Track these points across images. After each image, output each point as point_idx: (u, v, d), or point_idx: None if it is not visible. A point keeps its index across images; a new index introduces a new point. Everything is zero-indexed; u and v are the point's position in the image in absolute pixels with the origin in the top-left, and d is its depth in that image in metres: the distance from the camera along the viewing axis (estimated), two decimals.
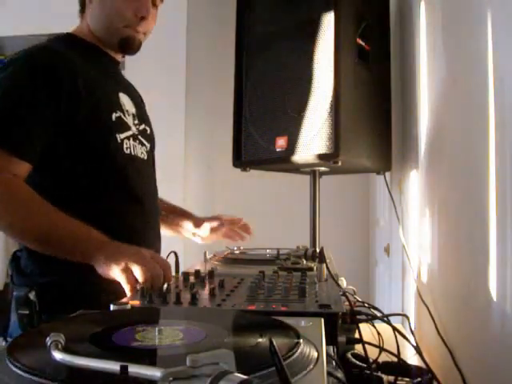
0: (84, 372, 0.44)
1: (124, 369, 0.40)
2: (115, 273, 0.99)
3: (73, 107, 1.19)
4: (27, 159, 1.15)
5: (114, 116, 1.28)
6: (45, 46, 1.30)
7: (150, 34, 1.39)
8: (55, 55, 1.23)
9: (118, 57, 1.42)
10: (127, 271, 0.97)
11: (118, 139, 1.28)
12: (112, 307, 0.74)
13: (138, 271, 0.96)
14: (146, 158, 1.39)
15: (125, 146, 1.30)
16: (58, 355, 0.46)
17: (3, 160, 1.12)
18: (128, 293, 0.95)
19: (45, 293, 1.16)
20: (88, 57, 1.30)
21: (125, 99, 1.36)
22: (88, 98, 1.21)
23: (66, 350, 0.47)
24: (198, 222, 1.60)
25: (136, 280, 0.96)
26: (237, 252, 1.55)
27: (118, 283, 0.98)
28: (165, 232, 1.59)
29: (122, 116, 1.31)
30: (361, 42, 1.57)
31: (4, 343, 1.28)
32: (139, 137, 1.37)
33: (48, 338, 0.48)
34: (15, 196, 1.12)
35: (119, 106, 1.32)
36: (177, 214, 1.63)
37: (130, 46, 1.34)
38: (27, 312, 1.14)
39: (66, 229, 1.09)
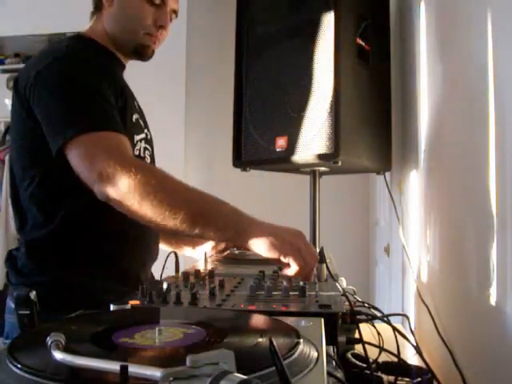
0: (84, 372, 0.44)
1: (124, 369, 0.40)
2: (286, 252, 0.98)
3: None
4: (124, 133, 1.15)
5: (134, 117, 1.30)
6: (71, 47, 1.29)
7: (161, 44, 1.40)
8: (91, 57, 1.25)
9: (126, 62, 1.43)
10: (297, 253, 0.97)
11: (135, 140, 1.29)
12: (112, 307, 0.74)
13: (307, 258, 0.97)
14: (149, 161, 1.40)
15: (136, 147, 1.31)
16: (58, 355, 0.46)
17: (122, 141, 1.12)
18: (292, 274, 0.96)
19: (43, 292, 1.16)
20: (105, 60, 1.32)
21: (136, 103, 1.38)
22: (118, 96, 1.23)
23: (66, 349, 0.47)
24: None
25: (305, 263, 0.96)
26: (237, 252, 1.55)
27: (118, 282, 0.98)
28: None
29: (139, 118, 1.33)
30: (361, 41, 1.57)
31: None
32: (148, 140, 1.38)
33: (48, 338, 0.48)
34: (156, 175, 1.10)
35: (135, 109, 1.34)
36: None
37: (144, 53, 1.36)
38: (28, 312, 1.14)
39: (215, 205, 1.07)
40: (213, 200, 1.07)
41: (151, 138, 1.48)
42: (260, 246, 0.99)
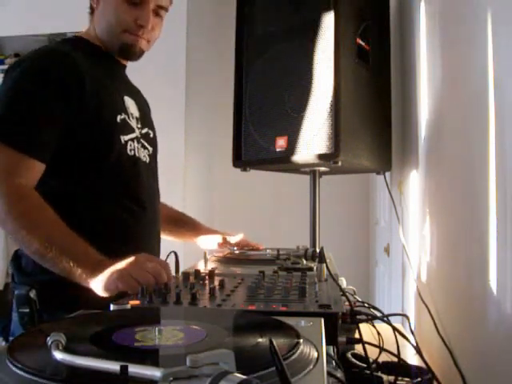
0: (84, 372, 0.44)
1: (124, 369, 0.40)
2: (114, 284, 0.98)
3: (79, 107, 1.20)
4: (39, 158, 1.15)
5: (118, 118, 1.29)
6: (54, 47, 1.33)
7: (155, 42, 1.39)
8: (64, 57, 1.24)
9: (124, 60, 1.43)
10: (126, 277, 0.97)
11: (122, 141, 1.29)
12: (112, 307, 0.74)
13: (137, 275, 0.96)
14: (148, 161, 1.39)
15: (129, 147, 1.30)
16: (58, 355, 0.46)
17: (14, 161, 1.12)
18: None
19: (46, 291, 1.17)
20: (95, 59, 1.31)
21: (129, 102, 1.37)
22: (94, 99, 1.22)
23: (66, 349, 0.47)
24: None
25: (138, 283, 0.96)
26: (237, 252, 1.55)
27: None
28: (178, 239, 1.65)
29: (127, 118, 1.32)
30: (361, 41, 1.57)
31: (4, 343, 1.28)
32: (141, 140, 1.38)
33: (49, 338, 0.48)
34: (22, 204, 1.11)
35: (124, 109, 1.33)
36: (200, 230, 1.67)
37: (129, 52, 1.35)
38: (27, 310, 1.14)
39: (64, 248, 1.08)
40: (65, 242, 1.09)
41: (153, 138, 1.47)
42: (101, 290, 1.01)
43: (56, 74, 1.19)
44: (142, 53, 1.37)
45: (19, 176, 1.12)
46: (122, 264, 1.01)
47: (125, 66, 1.45)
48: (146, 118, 1.45)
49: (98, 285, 1.02)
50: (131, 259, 1.02)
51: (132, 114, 1.36)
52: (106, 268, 1.03)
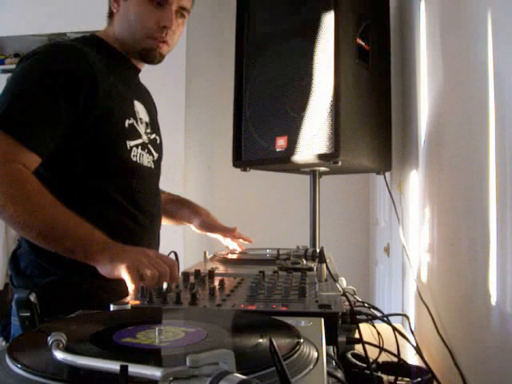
0: (85, 372, 0.44)
1: (124, 369, 0.40)
2: (121, 271, 0.98)
3: (88, 108, 1.19)
4: (38, 152, 1.14)
5: (127, 123, 1.28)
6: (69, 43, 1.31)
7: (176, 44, 1.38)
8: (78, 54, 1.22)
9: (140, 65, 1.42)
10: (133, 270, 0.97)
11: (128, 146, 1.28)
12: (112, 307, 0.74)
13: (144, 270, 0.96)
14: (152, 167, 1.39)
15: (132, 153, 1.29)
16: (59, 355, 0.46)
17: (14, 150, 1.11)
18: (131, 291, 0.95)
19: (46, 294, 1.16)
20: (109, 61, 1.30)
21: (139, 107, 1.36)
22: (104, 102, 1.21)
23: (66, 349, 0.47)
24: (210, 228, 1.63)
25: (141, 279, 0.96)
26: (237, 252, 1.55)
27: (119, 282, 0.98)
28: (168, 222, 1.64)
29: (135, 124, 1.31)
30: (361, 42, 1.57)
31: (4, 343, 1.28)
32: (149, 146, 1.37)
33: (49, 338, 0.48)
34: (22, 187, 1.10)
35: (133, 114, 1.32)
36: (190, 211, 1.66)
37: (150, 56, 1.34)
38: (28, 314, 1.13)
39: (69, 226, 1.08)
40: (68, 222, 1.08)
41: (160, 143, 1.46)
42: (106, 271, 1.01)
43: (68, 70, 1.18)
44: (162, 57, 1.35)
45: (17, 162, 1.11)
46: (131, 253, 1.00)
47: (139, 70, 1.44)
48: (154, 123, 1.44)
49: (102, 266, 1.02)
50: (140, 251, 1.01)
51: (141, 119, 1.35)
52: (111, 249, 1.03)
